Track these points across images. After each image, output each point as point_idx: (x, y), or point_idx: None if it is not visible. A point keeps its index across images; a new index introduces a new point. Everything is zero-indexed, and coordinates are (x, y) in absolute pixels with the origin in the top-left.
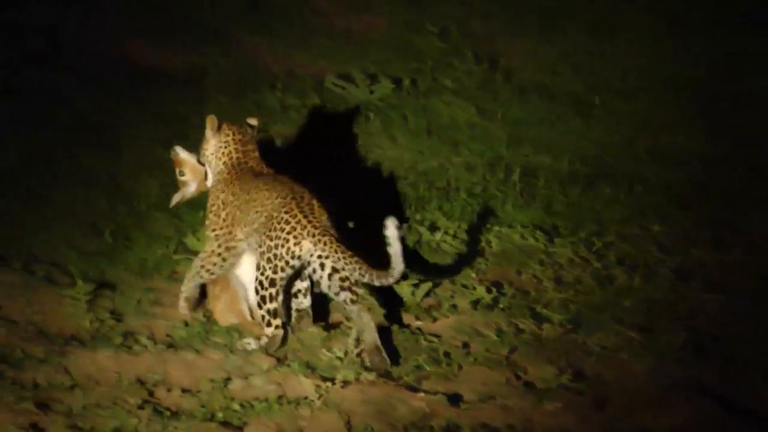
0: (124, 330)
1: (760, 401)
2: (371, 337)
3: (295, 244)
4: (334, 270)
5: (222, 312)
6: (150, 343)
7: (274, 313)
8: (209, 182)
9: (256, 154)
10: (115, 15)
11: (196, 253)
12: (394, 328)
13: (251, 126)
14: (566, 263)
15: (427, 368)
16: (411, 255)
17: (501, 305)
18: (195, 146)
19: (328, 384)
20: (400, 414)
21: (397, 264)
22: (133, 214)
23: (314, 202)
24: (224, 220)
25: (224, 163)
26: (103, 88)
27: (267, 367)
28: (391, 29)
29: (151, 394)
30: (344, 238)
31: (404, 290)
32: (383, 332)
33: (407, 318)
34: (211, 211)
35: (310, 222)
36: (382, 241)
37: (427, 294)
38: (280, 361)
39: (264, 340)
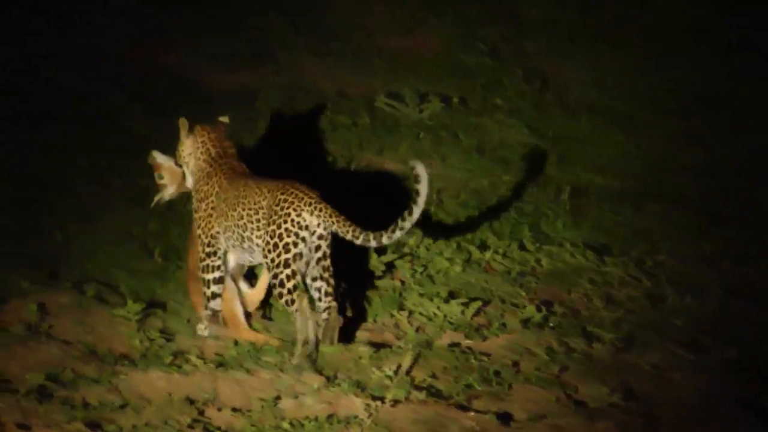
0: (175, 349)
1: None
2: (315, 334)
3: (297, 216)
4: (324, 255)
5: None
6: (200, 362)
7: (294, 289)
8: (189, 183)
9: (233, 150)
10: (165, 32)
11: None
12: (444, 346)
13: (224, 124)
14: (617, 282)
15: (478, 387)
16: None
17: (551, 324)
18: (250, 164)
19: (378, 403)
20: None
21: (422, 200)
22: (183, 235)
23: (305, 186)
24: (204, 210)
25: (204, 160)
26: (157, 107)
27: (317, 386)
28: (441, 48)
29: (201, 413)
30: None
31: (454, 309)
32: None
33: (457, 337)
34: (196, 209)
35: (306, 194)
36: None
37: (477, 313)
38: (330, 380)
39: (295, 316)
